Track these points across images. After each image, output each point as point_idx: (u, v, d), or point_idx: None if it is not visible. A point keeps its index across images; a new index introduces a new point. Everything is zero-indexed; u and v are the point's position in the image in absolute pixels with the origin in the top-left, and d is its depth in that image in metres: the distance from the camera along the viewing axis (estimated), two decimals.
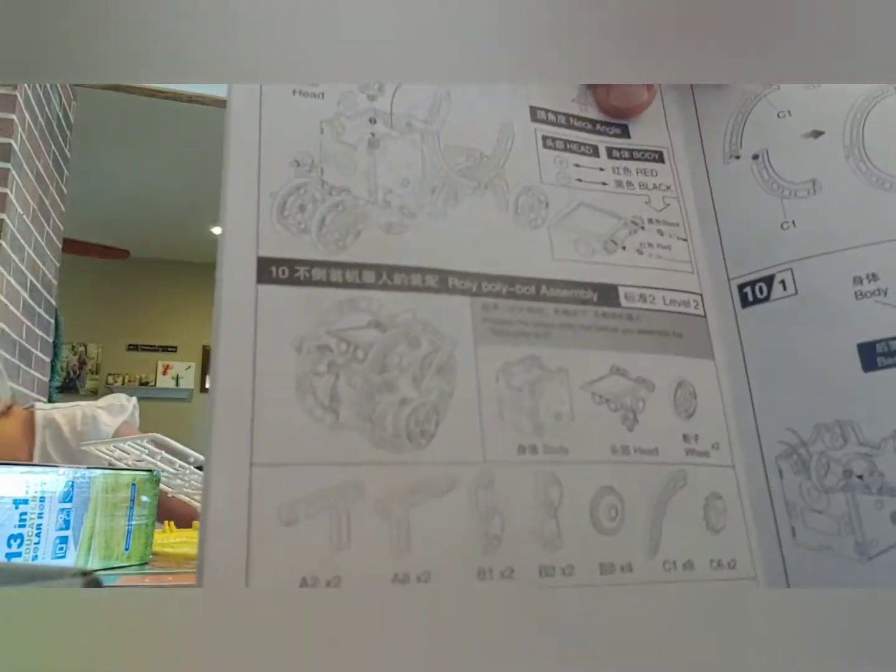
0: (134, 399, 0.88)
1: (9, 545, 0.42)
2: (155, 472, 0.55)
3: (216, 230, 4.58)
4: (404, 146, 0.27)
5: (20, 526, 0.43)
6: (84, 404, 0.85)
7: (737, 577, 0.25)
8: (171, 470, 0.60)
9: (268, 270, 0.23)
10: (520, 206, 0.28)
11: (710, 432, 0.27)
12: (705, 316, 0.29)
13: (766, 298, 0.28)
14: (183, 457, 0.61)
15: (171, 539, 0.66)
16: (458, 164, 0.28)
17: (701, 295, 0.29)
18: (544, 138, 0.30)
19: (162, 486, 0.57)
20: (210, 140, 3.44)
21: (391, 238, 0.25)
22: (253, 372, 0.22)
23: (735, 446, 0.27)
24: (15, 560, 0.42)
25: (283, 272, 0.23)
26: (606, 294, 0.28)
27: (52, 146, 2.31)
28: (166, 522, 0.70)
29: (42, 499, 0.45)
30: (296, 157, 0.25)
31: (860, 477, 0.25)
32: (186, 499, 0.65)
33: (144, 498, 0.53)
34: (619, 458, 0.25)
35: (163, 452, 0.59)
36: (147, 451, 0.60)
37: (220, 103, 2.54)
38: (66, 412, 0.84)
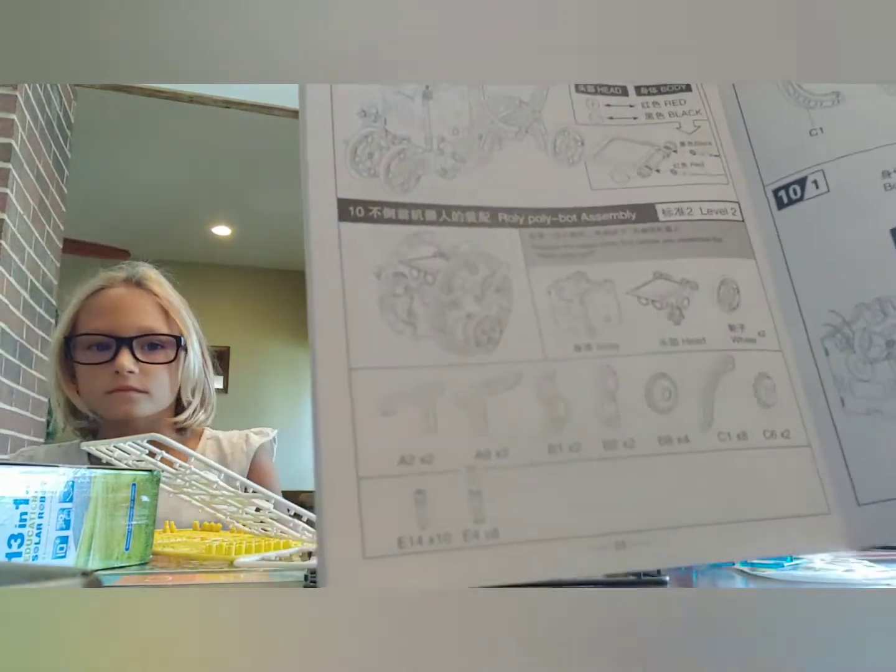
0: (275, 431, 1.11)
1: (9, 545, 0.42)
2: (155, 472, 0.55)
3: (216, 230, 4.59)
4: (453, 97, 0.31)
5: (20, 526, 0.43)
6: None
7: (791, 445, 0.28)
8: (171, 470, 0.60)
9: (347, 210, 0.28)
10: (557, 146, 0.32)
11: (756, 321, 0.30)
12: (743, 220, 0.32)
13: (801, 198, 0.31)
14: (184, 458, 0.61)
15: (171, 539, 0.66)
16: (501, 112, 0.32)
17: (738, 202, 0.32)
18: (576, 84, 0.33)
19: (162, 485, 0.57)
20: (210, 140, 3.45)
21: (446, 181, 0.30)
22: (343, 295, 0.27)
23: (781, 332, 0.30)
24: (15, 560, 0.42)
25: (360, 211, 0.28)
26: (644, 212, 0.31)
27: (53, 146, 2.32)
28: (166, 522, 0.70)
29: (42, 499, 0.45)
30: (362, 107, 0.30)
31: None
32: (190, 502, 0.64)
33: (145, 498, 0.53)
34: (668, 349, 0.29)
35: (163, 452, 0.59)
36: (147, 451, 0.60)
37: (221, 103, 2.54)
38: (226, 432, 1.10)
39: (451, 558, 0.24)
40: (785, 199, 0.32)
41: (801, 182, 0.31)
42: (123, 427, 0.98)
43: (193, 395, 1.03)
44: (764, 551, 0.28)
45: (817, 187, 0.31)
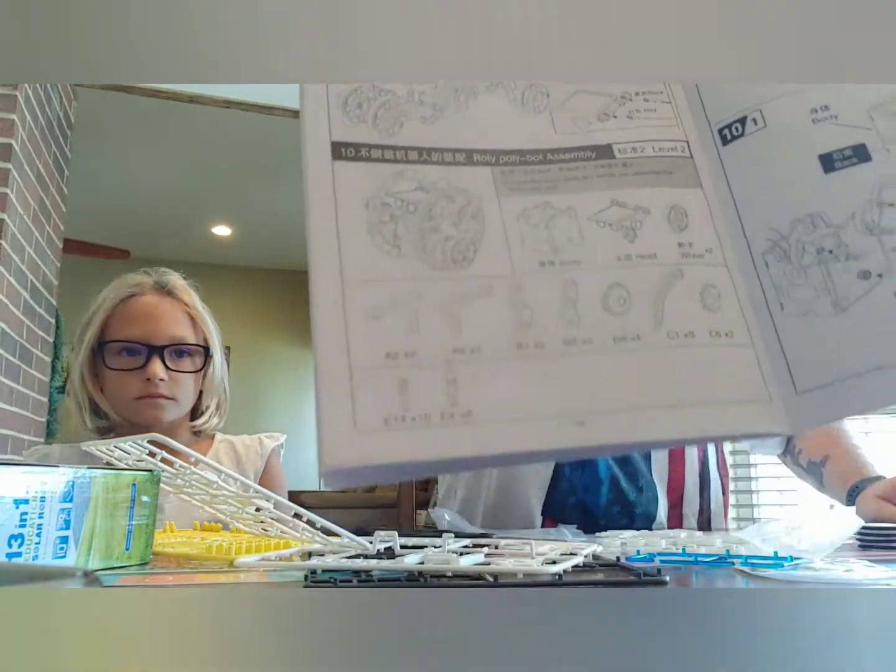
0: (284, 436, 1.18)
1: (9, 545, 0.42)
2: (155, 472, 0.55)
3: (216, 230, 4.59)
4: None
5: (20, 526, 0.43)
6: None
7: (734, 344, 0.32)
8: (171, 470, 0.60)
9: (339, 151, 0.33)
10: (525, 97, 0.36)
11: (703, 240, 0.34)
12: (692, 157, 0.37)
13: (742, 134, 0.36)
14: (183, 457, 0.61)
15: (171, 539, 0.66)
16: None
17: (686, 141, 0.37)
18: None
19: (162, 485, 0.57)
20: (210, 140, 3.45)
21: (427, 127, 0.34)
22: (336, 221, 0.31)
23: (727, 249, 0.34)
24: (15, 560, 0.42)
25: (351, 152, 0.33)
26: (603, 151, 0.36)
27: (53, 146, 2.32)
28: (167, 522, 0.70)
29: (42, 499, 0.45)
30: None
31: (830, 251, 0.33)
32: (190, 503, 0.64)
33: (145, 498, 0.53)
34: (623, 263, 0.33)
35: (163, 452, 0.60)
36: (147, 451, 0.60)
37: (221, 103, 2.55)
38: (238, 436, 1.17)
39: (429, 434, 0.28)
40: (728, 137, 0.36)
41: (742, 121, 0.36)
42: (146, 431, 1.01)
43: (212, 401, 1.10)
44: (712, 430, 0.31)
45: (756, 124, 0.36)
